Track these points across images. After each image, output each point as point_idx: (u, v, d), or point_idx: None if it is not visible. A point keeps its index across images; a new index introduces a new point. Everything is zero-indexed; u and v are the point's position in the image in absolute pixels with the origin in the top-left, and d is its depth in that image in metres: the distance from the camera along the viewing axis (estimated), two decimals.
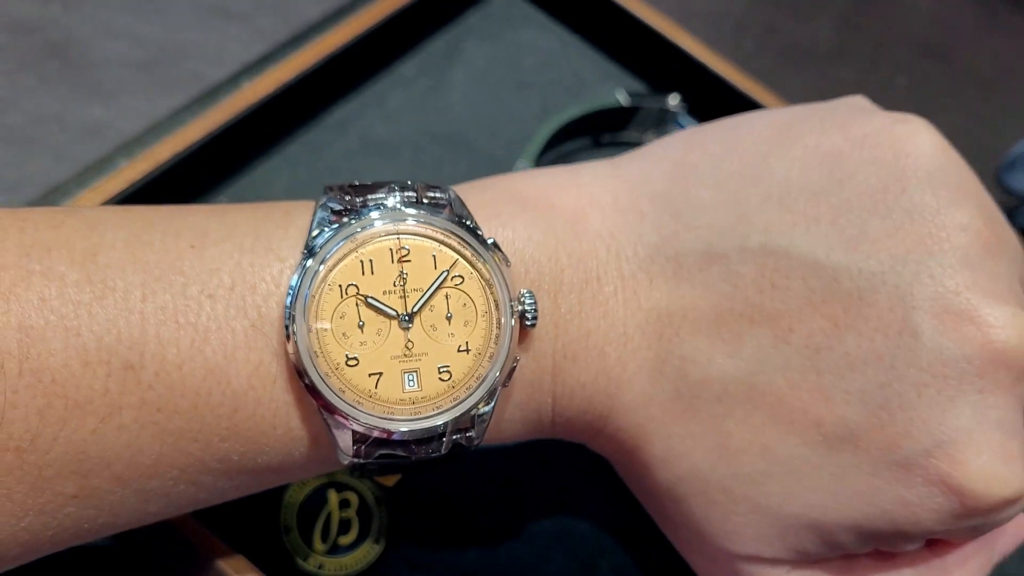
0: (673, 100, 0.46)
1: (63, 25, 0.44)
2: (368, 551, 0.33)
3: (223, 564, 0.30)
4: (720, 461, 0.25)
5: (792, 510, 0.25)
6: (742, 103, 0.48)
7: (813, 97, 0.58)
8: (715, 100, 0.48)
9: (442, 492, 0.36)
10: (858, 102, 0.28)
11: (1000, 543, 0.28)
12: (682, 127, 0.48)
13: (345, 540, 0.33)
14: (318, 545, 0.33)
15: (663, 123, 0.47)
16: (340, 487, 0.34)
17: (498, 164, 0.46)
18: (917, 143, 0.25)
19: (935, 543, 0.27)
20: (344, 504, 0.34)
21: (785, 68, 0.58)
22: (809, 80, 0.58)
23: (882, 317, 0.23)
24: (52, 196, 0.38)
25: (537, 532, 0.36)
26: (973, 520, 0.24)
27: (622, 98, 0.45)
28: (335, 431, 0.23)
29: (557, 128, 0.43)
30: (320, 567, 0.32)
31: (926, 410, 0.23)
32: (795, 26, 0.61)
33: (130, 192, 0.36)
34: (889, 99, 0.59)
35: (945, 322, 0.23)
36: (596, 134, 0.48)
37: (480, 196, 0.26)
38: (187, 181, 0.39)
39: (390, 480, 0.33)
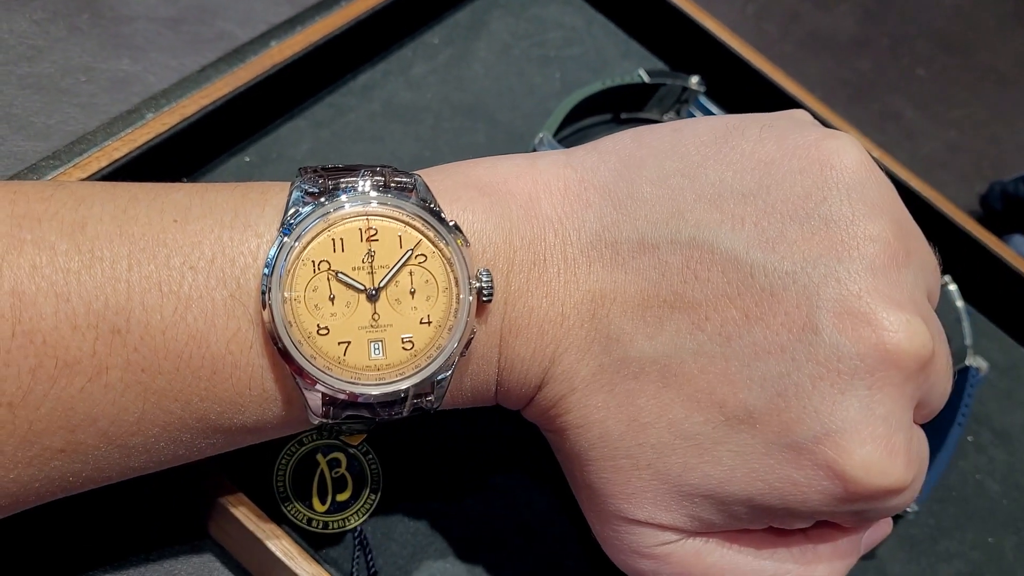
0: (695, 80, 0.47)
1: None
2: (367, 501, 0.34)
3: (232, 507, 0.30)
4: (629, 431, 0.27)
5: (691, 480, 0.26)
6: (763, 87, 0.48)
7: (833, 84, 0.58)
8: (736, 83, 0.49)
9: (427, 438, 0.37)
10: (799, 115, 0.30)
11: (867, 537, 0.30)
12: (702, 107, 0.48)
13: (343, 496, 0.34)
14: (318, 507, 0.34)
15: (683, 103, 0.48)
16: (326, 450, 0.35)
17: (517, 136, 0.46)
18: (842, 157, 0.27)
19: (817, 529, 0.29)
20: (334, 464, 0.34)
21: (806, 55, 0.58)
22: (829, 68, 0.58)
23: (789, 313, 0.25)
24: (80, 144, 0.39)
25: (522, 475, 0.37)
26: (856, 505, 0.26)
27: (644, 75, 0.46)
28: (306, 393, 0.25)
29: (579, 102, 0.44)
30: (324, 527, 0.33)
31: (818, 400, 0.25)
32: (818, 14, 0.61)
33: (156, 143, 0.36)
34: (908, 90, 0.59)
35: (844, 322, 0.25)
36: (616, 111, 0.48)
37: (443, 181, 0.27)
38: (213, 136, 0.40)
39: (355, 439, 0.34)
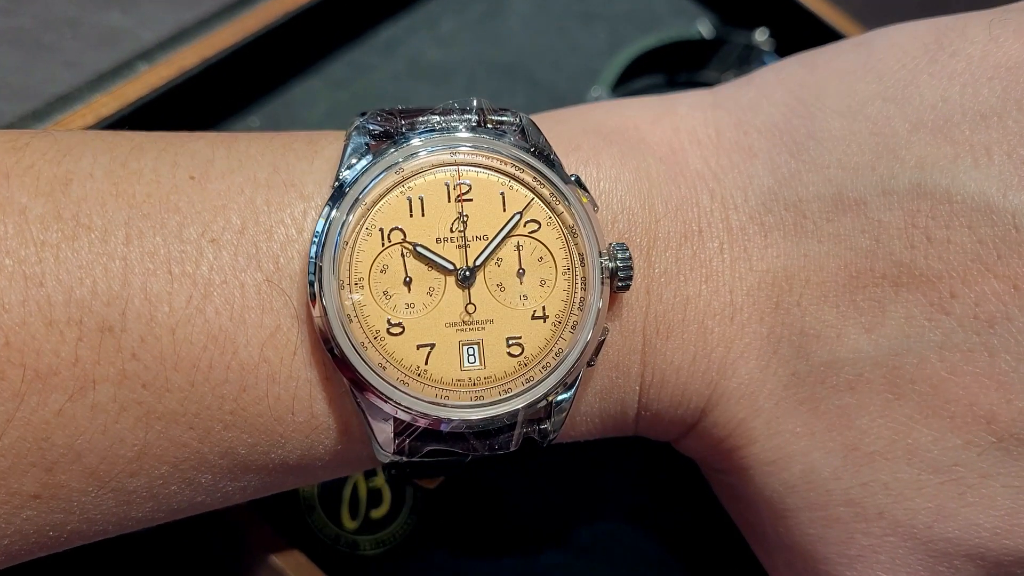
0: (761, 36, 0.41)
1: None
2: (404, 522, 0.29)
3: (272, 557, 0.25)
4: (847, 467, 0.20)
5: (948, 532, 0.20)
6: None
7: None
8: (805, 40, 0.43)
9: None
10: None
11: None
12: None
13: (377, 513, 0.29)
14: (347, 522, 0.28)
15: (746, 62, 0.42)
16: None
17: (561, 99, 0.41)
18: None
19: None
20: (371, 473, 0.29)
21: (875, 19, 0.53)
22: None
23: None
24: (61, 102, 0.34)
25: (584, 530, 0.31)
26: None
27: (704, 30, 0.41)
28: (372, 419, 0.19)
29: (633, 58, 0.39)
30: (353, 547, 0.28)
31: None
32: None
33: (151, 98, 0.32)
34: None
35: None
36: (672, 72, 0.43)
37: (555, 127, 0.21)
38: (216, 94, 0.35)
39: (432, 482, 0.28)
